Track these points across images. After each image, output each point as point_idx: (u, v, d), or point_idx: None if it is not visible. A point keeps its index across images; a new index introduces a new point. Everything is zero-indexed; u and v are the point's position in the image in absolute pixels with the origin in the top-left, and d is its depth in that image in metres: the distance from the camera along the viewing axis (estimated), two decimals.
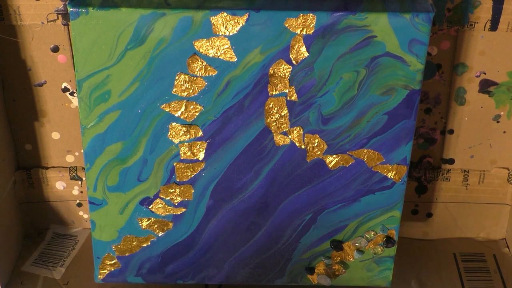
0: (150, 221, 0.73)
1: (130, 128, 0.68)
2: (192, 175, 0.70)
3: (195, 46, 0.65)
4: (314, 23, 0.64)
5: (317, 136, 0.69)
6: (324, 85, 0.66)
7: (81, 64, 0.65)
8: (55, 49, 0.77)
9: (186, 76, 0.66)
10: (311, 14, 0.63)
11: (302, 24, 0.64)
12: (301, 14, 0.63)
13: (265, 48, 0.65)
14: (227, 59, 0.65)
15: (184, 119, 0.68)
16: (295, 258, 0.75)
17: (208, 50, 0.65)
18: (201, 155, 0.70)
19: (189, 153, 0.69)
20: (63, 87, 0.80)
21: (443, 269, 0.84)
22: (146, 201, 0.72)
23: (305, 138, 0.69)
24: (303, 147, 0.69)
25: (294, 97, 0.67)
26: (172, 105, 0.67)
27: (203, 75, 0.66)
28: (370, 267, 0.76)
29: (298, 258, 0.75)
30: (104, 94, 0.66)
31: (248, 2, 0.64)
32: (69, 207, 0.88)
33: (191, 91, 0.67)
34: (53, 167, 0.85)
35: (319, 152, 0.70)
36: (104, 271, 0.75)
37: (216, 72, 0.66)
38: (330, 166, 0.70)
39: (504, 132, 0.82)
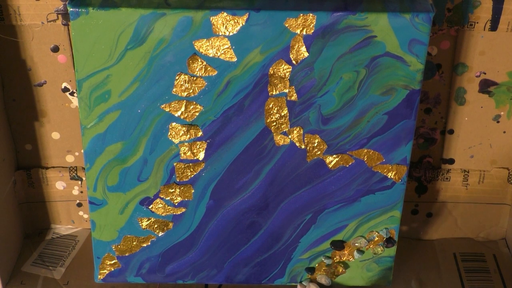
0: (150, 221, 0.73)
1: (130, 128, 0.68)
2: (192, 175, 0.70)
3: (195, 46, 0.65)
4: (314, 23, 0.64)
5: (317, 136, 0.69)
6: (324, 85, 0.66)
7: (81, 64, 0.65)
8: (55, 49, 0.77)
9: (186, 76, 0.66)
10: (311, 14, 0.63)
11: (302, 24, 0.64)
12: (301, 14, 0.63)
13: (265, 48, 0.65)
14: (227, 59, 0.65)
15: (184, 119, 0.68)
16: (295, 258, 0.75)
17: (208, 50, 0.65)
18: (201, 155, 0.70)
19: (189, 153, 0.69)
20: (63, 87, 0.80)
21: (443, 269, 0.84)
22: (146, 201, 0.72)
23: (305, 138, 0.69)
24: (303, 147, 0.69)
25: (294, 97, 0.67)
26: (172, 105, 0.67)
27: (203, 75, 0.66)
28: (370, 267, 0.76)
29: (298, 258, 0.75)
30: (104, 94, 0.66)
31: (248, 2, 0.64)
32: (69, 207, 0.88)
33: (191, 91, 0.67)
34: (53, 167, 0.85)
35: (319, 152, 0.70)
36: (104, 271, 0.75)
37: (216, 72, 0.66)
38: (330, 166, 0.70)
39: (504, 132, 0.82)
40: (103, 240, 0.74)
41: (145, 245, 0.74)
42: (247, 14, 0.63)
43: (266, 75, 0.66)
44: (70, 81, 0.79)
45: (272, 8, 0.63)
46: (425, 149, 0.83)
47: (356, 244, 0.74)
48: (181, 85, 0.66)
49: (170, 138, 0.69)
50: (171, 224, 0.73)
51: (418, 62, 0.65)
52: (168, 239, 0.74)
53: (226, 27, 0.64)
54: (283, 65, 0.65)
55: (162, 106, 0.67)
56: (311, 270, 0.76)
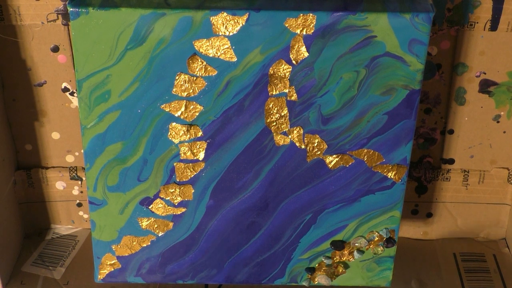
0: (150, 221, 0.73)
1: (130, 128, 0.68)
2: (192, 175, 0.70)
3: (195, 46, 0.65)
4: (314, 23, 0.64)
5: (317, 136, 0.69)
6: (324, 85, 0.66)
7: (81, 64, 0.65)
8: (55, 49, 0.77)
9: (186, 76, 0.66)
10: (311, 14, 0.63)
11: (302, 24, 0.64)
12: (301, 14, 0.63)
13: (265, 48, 0.65)
14: (227, 59, 0.65)
15: (184, 119, 0.68)
16: (295, 258, 0.75)
17: (208, 50, 0.65)
18: (201, 155, 0.70)
19: (189, 153, 0.69)
20: (63, 87, 0.80)
21: (443, 269, 0.84)
22: (146, 201, 0.72)
23: (305, 138, 0.69)
24: (303, 147, 0.69)
25: (294, 97, 0.67)
26: (172, 105, 0.67)
27: (203, 75, 0.66)
28: (370, 267, 0.76)
29: (298, 258, 0.75)
30: (104, 94, 0.66)
31: (248, 2, 0.64)
32: (69, 207, 0.88)
33: (191, 91, 0.67)
34: (53, 167, 0.85)
35: (319, 152, 0.70)
36: (104, 271, 0.75)
37: (216, 72, 0.66)
38: (330, 166, 0.70)
39: (504, 132, 0.82)
40: (103, 240, 0.74)
41: (145, 245, 0.74)
42: (247, 14, 0.63)
43: (266, 75, 0.66)
44: (70, 81, 0.79)
45: (272, 8, 0.63)
46: (425, 149, 0.83)
47: (356, 244, 0.75)
48: (181, 85, 0.66)
49: (170, 138, 0.69)
50: (171, 224, 0.73)
51: (418, 62, 0.65)
52: (168, 239, 0.74)
53: (226, 27, 0.64)
54: (283, 65, 0.65)
55: (162, 106, 0.67)
56: (311, 270, 0.76)
